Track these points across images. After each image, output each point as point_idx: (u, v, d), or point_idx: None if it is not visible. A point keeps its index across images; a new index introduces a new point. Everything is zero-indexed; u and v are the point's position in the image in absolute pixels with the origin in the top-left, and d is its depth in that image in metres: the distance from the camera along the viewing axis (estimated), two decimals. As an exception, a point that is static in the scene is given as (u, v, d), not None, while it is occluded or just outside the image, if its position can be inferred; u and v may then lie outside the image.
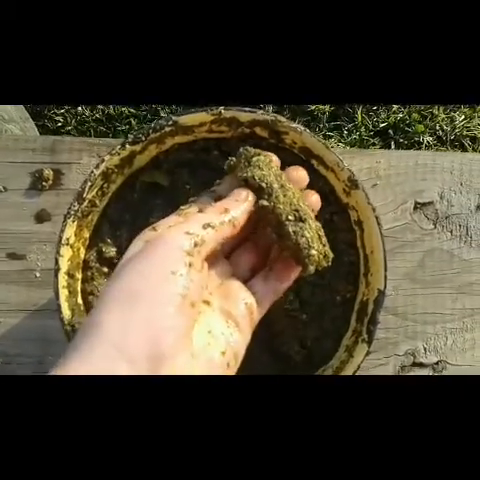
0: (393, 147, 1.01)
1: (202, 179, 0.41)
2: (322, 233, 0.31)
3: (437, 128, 1.04)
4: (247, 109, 0.39)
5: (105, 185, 0.39)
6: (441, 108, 1.03)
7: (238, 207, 0.29)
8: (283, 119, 0.39)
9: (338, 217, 0.41)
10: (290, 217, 0.30)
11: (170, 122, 0.39)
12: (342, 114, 1.03)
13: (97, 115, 1.01)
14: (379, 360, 0.47)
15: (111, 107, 1.01)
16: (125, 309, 0.24)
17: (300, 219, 0.30)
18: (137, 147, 0.39)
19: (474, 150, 1.05)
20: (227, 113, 0.39)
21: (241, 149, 0.33)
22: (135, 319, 0.24)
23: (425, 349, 0.47)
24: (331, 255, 0.31)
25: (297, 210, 0.30)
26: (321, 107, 1.01)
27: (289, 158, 0.41)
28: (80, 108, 1.01)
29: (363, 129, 1.02)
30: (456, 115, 1.04)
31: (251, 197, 0.30)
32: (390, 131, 1.02)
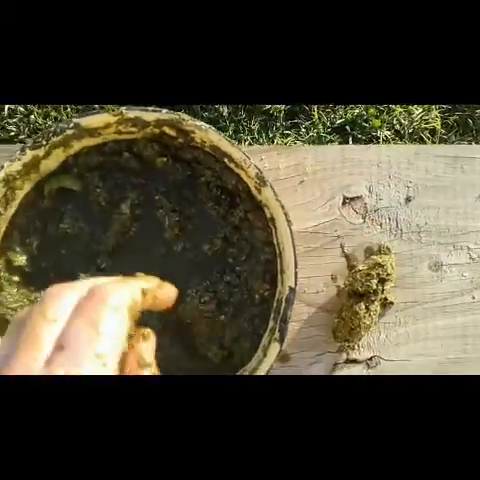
0: (351, 143, 1.01)
1: (115, 181, 0.41)
2: None
3: (395, 122, 1.04)
4: (150, 109, 0.38)
5: (9, 192, 0.38)
6: (398, 102, 1.03)
7: None
8: (187, 117, 0.38)
9: (253, 215, 0.40)
10: None
11: (71, 124, 0.38)
12: (299, 112, 1.02)
13: (50, 122, 1.00)
14: (312, 358, 0.46)
15: (64, 115, 0.99)
16: None
17: None
18: (40, 152, 0.38)
19: (433, 142, 1.05)
20: (130, 113, 0.38)
21: None
22: None
23: (358, 345, 0.46)
24: None
25: None
26: (277, 106, 1.00)
27: (201, 156, 0.40)
28: (33, 116, 0.99)
29: (321, 126, 1.02)
30: (413, 108, 1.04)
31: None
32: (347, 127, 1.02)
